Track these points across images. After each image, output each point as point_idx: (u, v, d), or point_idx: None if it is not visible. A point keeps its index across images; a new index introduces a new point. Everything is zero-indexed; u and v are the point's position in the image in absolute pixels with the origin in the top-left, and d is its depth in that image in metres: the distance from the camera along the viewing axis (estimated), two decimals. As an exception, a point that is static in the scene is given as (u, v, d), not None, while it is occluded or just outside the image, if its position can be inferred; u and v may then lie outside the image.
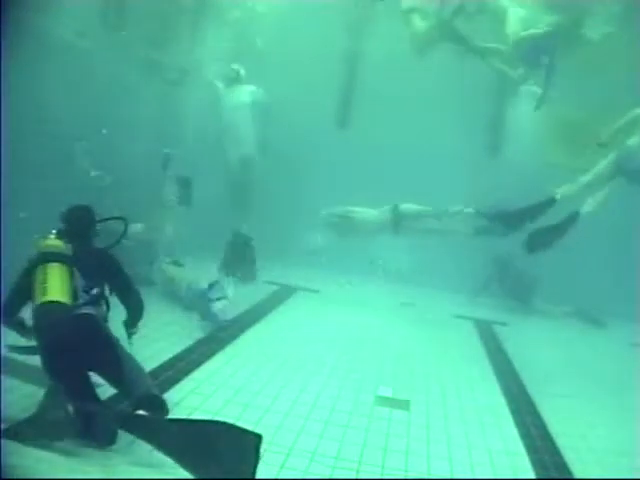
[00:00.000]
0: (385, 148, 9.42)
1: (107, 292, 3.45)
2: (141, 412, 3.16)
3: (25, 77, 5.52)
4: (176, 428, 2.96)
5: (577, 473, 3.71)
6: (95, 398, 3.14)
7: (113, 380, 3.26)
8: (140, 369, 3.39)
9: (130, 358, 3.32)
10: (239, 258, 8.21)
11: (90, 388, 3.14)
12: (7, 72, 4.97)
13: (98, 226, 3.58)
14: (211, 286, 6.08)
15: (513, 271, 8.80)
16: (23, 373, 3.77)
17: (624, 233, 7.99)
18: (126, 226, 3.64)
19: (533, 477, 3.61)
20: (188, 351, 5.11)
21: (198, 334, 5.59)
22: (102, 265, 3.41)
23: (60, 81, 6.08)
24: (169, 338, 5.37)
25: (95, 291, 3.30)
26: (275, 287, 8.39)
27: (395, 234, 7.59)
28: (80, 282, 3.25)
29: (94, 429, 2.97)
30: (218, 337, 5.64)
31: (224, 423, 2.95)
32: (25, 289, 3.19)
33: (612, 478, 3.68)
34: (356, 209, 7.75)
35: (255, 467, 2.70)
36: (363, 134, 9.58)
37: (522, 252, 7.29)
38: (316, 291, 8.62)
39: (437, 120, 8.88)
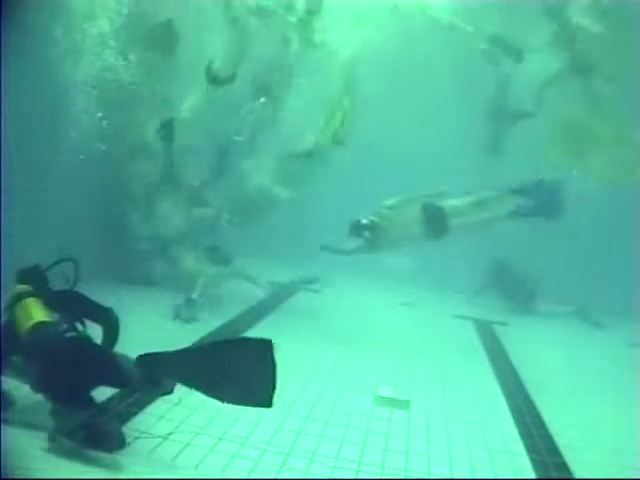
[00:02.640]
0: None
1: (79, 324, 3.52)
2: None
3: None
4: (189, 358, 3.09)
5: (577, 473, 3.70)
6: (100, 410, 3.14)
7: (118, 386, 3.34)
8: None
9: (126, 359, 3.32)
10: None
11: (93, 402, 3.15)
12: (7, 72, 4.97)
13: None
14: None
15: (511, 277, 8.81)
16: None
17: (624, 232, 7.99)
18: (77, 267, 3.63)
19: (533, 477, 3.61)
20: (188, 351, 5.11)
21: (197, 334, 5.59)
22: (67, 306, 3.50)
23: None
24: (168, 338, 5.37)
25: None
26: (275, 287, 8.39)
27: None
28: (54, 315, 3.34)
29: (104, 440, 2.98)
30: (218, 337, 5.64)
31: (234, 339, 3.10)
32: (11, 329, 3.21)
33: (612, 478, 3.68)
34: None
35: (274, 374, 3.03)
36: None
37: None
38: (316, 291, 8.65)
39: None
